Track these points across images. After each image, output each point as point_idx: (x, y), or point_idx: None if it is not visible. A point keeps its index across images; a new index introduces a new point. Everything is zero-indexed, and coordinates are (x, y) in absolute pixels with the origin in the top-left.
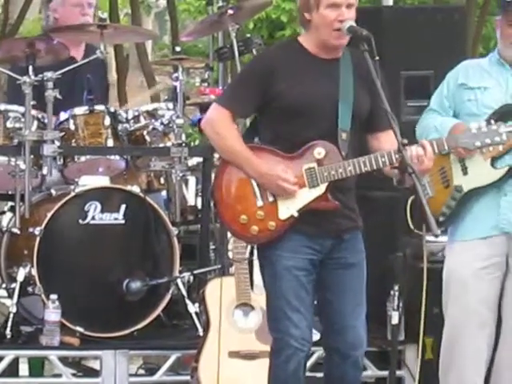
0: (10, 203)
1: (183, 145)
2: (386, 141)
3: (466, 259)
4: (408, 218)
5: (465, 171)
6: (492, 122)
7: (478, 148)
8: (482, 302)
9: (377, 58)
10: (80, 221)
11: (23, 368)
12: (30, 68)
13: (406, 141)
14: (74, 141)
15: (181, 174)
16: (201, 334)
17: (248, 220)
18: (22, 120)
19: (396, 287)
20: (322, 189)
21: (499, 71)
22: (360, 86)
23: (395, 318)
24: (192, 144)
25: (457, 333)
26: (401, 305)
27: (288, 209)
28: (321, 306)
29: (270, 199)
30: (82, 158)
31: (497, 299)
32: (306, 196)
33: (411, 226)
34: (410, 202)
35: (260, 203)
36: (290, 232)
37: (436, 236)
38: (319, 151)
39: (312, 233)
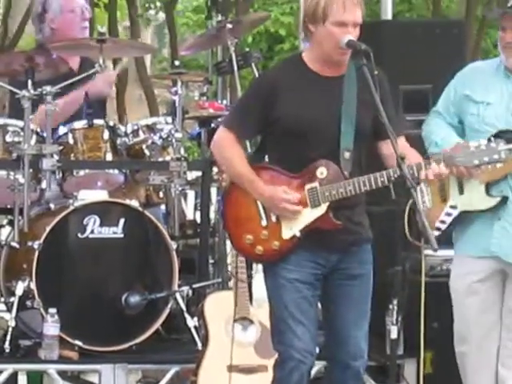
0: (9, 217)
1: (182, 159)
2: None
3: (462, 273)
4: (406, 228)
5: (461, 190)
6: (492, 139)
7: (477, 166)
8: (479, 313)
9: (376, 72)
10: (79, 235)
11: (22, 382)
12: (29, 82)
13: (404, 155)
14: (72, 155)
15: (180, 188)
16: (200, 348)
17: (253, 240)
18: (21, 134)
19: (395, 301)
20: (323, 208)
21: (504, 83)
22: (365, 102)
23: (394, 332)
24: (191, 158)
25: (462, 346)
26: (400, 319)
27: (291, 229)
28: (325, 317)
29: (274, 219)
30: (81, 172)
31: (497, 305)
32: (308, 216)
33: (408, 236)
34: (407, 211)
35: (264, 223)
36: (292, 250)
37: (435, 250)
38: (321, 171)
39: (316, 249)
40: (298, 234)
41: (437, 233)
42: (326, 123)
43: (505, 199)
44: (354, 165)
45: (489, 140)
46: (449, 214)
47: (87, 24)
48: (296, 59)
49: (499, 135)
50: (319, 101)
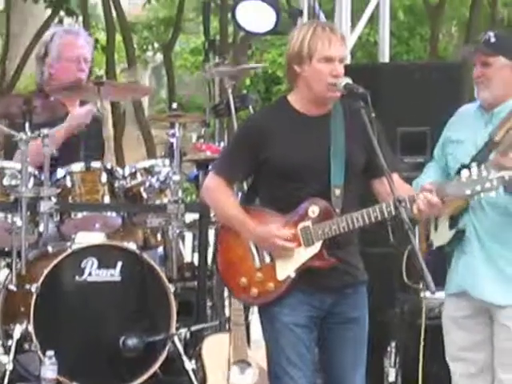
0: (7, 260)
1: (180, 201)
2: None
3: (450, 310)
4: (404, 271)
5: (436, 227)
6: (482, 167)
7: (469, 196)
8: (465, 349)
9: (373, 114)
10: (77, 277)
11: None
12: (27, 125)
13: (402, 197)
14: (70, 197)
15: (177, 231)
16: None
17: (248, 283)
18: (19, 177)
19: (393, 344)
20: (317, 247)
21: (477, 119)
22: (353, 137)
23: (392, 374)
24: (188, 200)
25: (456, 381)
26: (398, 361)
27: (285, 269)
28: (322, 360)
29: (267, 260)
30: (79, 215)
31: (487, 342)
32: (302, 255)
33: (405, 279)
34: (406, 254)
35: (258, 265)
36: (287, 291)
37: (433, 292)
38: (313, 210)
39: (311, 291)
40: (292, 275)
41: (421, 272)
42: (315, 162)
43: (460, 232)
44: (346, 202)
45: (479, 168)
46: (428, 253)
47: (83, 76)
48: (282, 102)
49: (460, 168)
50: (307, 140)
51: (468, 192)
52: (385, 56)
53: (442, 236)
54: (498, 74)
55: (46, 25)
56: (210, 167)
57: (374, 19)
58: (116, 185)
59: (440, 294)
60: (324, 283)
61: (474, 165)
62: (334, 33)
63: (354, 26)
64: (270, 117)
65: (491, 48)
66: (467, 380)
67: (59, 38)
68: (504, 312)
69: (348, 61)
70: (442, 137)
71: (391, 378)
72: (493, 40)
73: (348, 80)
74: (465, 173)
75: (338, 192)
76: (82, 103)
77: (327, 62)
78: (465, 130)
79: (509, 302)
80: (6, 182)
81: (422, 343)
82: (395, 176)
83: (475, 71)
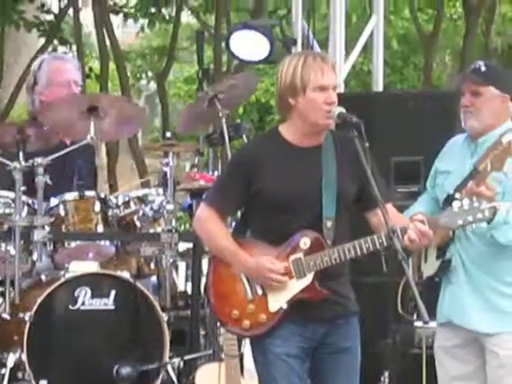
0: (0, 289)
1: (173, 230)
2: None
3: (441, 340)
4: (398, 302)
5: (425, 258)
6: (474, 198)
7: (461, 227)
8: (457, 379)
9: (367, 144)
10: (70, 306)
11: None
12: (21, 154)
13: (395, 227)
14: (64, 226)
15: (171, 260)
16: None
17: (240, 315)
18: (13, 206)
19: (386, 374)
20: (308, 279)
21: (464, 150)
22: (344, 168)
23: None
24: (182, 227)
25: None
26: None
27: (277, 301)
28: None
29: (260, 292)
30: (72, 244)
31: (479, 371)
32: (294, 287)
33: (399, 310)
34: (401, 285)
35: (250, 297)
36: (279, 322)
37: (426, 322)
38: (305, 241)
39: (302, 322)
40: (284, 306)
41: (412, 303)
42: (307, 193)
43: (447, 262)
44: (337, 233)
45: (470, 199)
46: (418, 284)
47: None
48: (274, 133)
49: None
50: (299, 172)
51: (460, 222)
52: (378, 85)
53: (431, 266)
54: (488, 104)
55: (39, 54)
56: (203, 196)
57: (367, 48)
58: (109, 213)
59: (433, 324)
60: (315, 314)
61: (464, 196)
62: (325, 61)
63: (347, 54)
64: (262, 147)
65: (482, 77)
66: None
67: (47, 65)
68: (492, 340)
69: (342, 90)
70: (433, 168)
71: None
72: (483, 69)
73: (341, 109)
74: (457, 203)
75: (329, 224)
76: None
77: (321, 91)
78: (453, 161)
79: (496, 330)
80: None
81: (424, 371)
82: (389, 206)
83: (464, 100)
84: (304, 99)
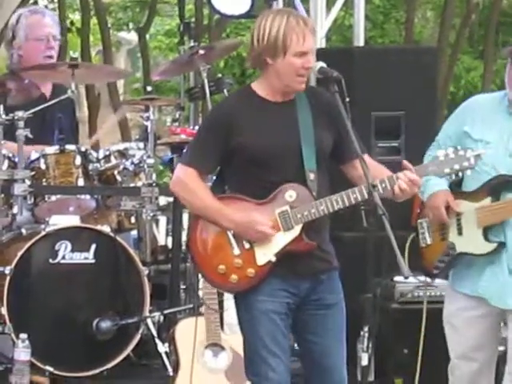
0: None
1: (154, 184)
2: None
3: (460, 308)
4: (405, 258)
5: (460, 231)
6: (458, 147)
7: (448, 174)
8: (475, 348)
9: (347, 99)
10: (50, 260)
11: None
12: (1, 107)
13: (376, 182)
14: (44, 180)
15: (151, 214)
16: (170, 374)
17: (226, 270)
18: None
19: (366, 328)
20: (296, 231)
21: (504, 121)
22: (320, 123)
23: (365, 359)
24: (162, 182)
25: (455, 377)
26: (371, 346)
27: (265, 254)
28: (302, 347)
29: (247, 246)
30: (53, 198)
31: (495, 343)
32: (281, 240)
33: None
34: (409, 241)
35: (237, 252)
36: (267, 276)
37: (406, 277)
38: (290, 194)
39: (288, 276)
40: (273, 259)
41: (436, 271)
42: (286, 147)
43: (502, 245)
44: (320, 186)
45: (455, 148)
46: (447, 255)
47: (53, 53)
48: (246, 90)
49: (498, 179)
50: (276, 125)
51: (447, 170)
52: (359, 40)
53: (472, 244)
54: None
55: (20, 7)
56: (181, 156)
57: (348, 3)
58: (90, 167)
59: (412, 279)
60: (300, 269)
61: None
62: (307, 25)
63: (329, 9)
64: (237, 103)
65: None
66: (472, 378)
67: (25, 19)
68: None
69: (323, 45)
70: (451, 127)
71: (364, 362)
72: None
73: (322, 64)
74: (442, 152)
75: (312, 176)
76: (55, 86)
77: (301, 57)
78: (490, 130)
79: None
80: None
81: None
82: (367, 157)
83: None
84: (283, 61)
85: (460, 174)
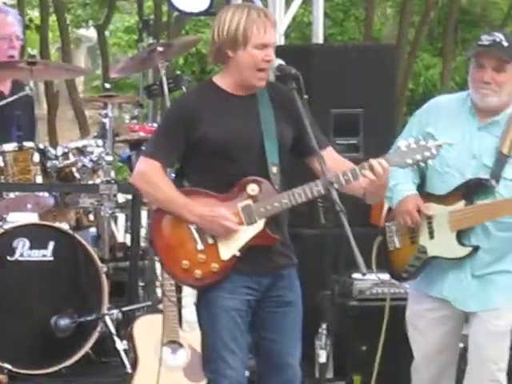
0: None
1: (112, 182)
2: (328, 159)
3: (422, 309)
4: (373, 258)
5: (431, 235)
6: (420, 137)
7: (410, 165)
8: (438, 350)
9: (305, 96)
10: (8, 257)
11: None
12: None
13: (332, 179)
14: (2, 177)
15: (110, 211)
16: (129, 371)
17: (190, 265)
18: None
19: (324, 326)
20: (260, 225)
21: (467, 122)
22: (281, 118)
23: (323, 356)
24: (121, 179)
25: (420, 377)
26: (329, 343)
27: (229, 249)
28: (258, 344)
29: (210, 241)
30: (11, 195)
31: (456, 340)
32: (245, 234)
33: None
34: (377, 241)
35: (200, 247)
36: (231, 271)
37: (363, 274)
38: (253, 188)
39: (250, 272)
40: (237, 254)
41: (405, 275)
42: (249, 140)
43: (476, 249)
44: (281, 179)
45: (417, 139)
46: (418, 258)
47: (15, 53)
48: (207, 84)
49: (472, 182)
50: (238, 118)
51: (409, 161)
52: (319, 37)
53: (445, 248)
54: (509, 81)
55: None
56: (142, 150)
57: (308, 0)
58: (48, 165)
59: (371, 276)
60: (263, 263)
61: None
62: (268, 18)
63: (288, 6)
64: (199, 97)
65: (506, 54)
66: (435, 378)
67: None
68: (482, 314)
69: (282, 42)
70: (414, 128)
71: (322, 359)
72: (505, 44)
73: (281, 61)
74: (403, 143)
75: (275, 169)
76: (14, 83)
77: (262, 49)
78: (453, 132)
79: (486, 307)
80: None
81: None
82: (331, 150)
83: (484, 75)
84: (244, 53)
85: (422, 164)
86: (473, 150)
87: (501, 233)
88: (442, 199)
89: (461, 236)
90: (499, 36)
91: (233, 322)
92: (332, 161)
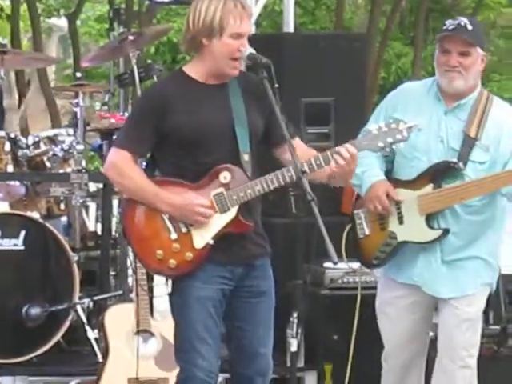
0: None
1: (83, 171)
2: (296, 148)
3: (391, 296)
4: (342, 246)
5: (400, 220)
6: (391, 121)
7: (382, 148)
8: (408, 339)
9: (276, 85)
10: None
11: None
12: None
13: (305, 168)
14: None
15: (81, 200)
16: (100, 360)
17: (164, 255)
18: None
19: (295, 314)
20: (233, 212)
21: (434, 106)
22: (251, 107)
23: (294, 345)
24: (92, 168)
25: (390, 365)
26: (300, 332)
27: (203, 237)
28: (231, 333)
29: (184, 230)
30: None
31: (426, 328)
32: (218, 222)
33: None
34: (347, 229)
35: (174, 236)
36: (205, 259)
37: (335, 263)
38: (225, 175)
39: (224, 261)
40: (211, 242)
41: (376, 262)
42: (220, 128)
43: (446, 232)
44: (253, 166)
45: (387, 122)
46: (388, 244)
47: None
48: (177, 73)
49: (439, 165)
50: (210, 107)
51: (381, 144)
52: (290, 26)
53: (414, 232)
54: (475, 64)
55: None
56: (113, 140)
57: None
58: (19, 154)
59: (343, 265)
60: (237, 252)
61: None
62: (244, 9)
63: None
64: (169, 86)
65: (471, 37)
66: (405, 366)
67: None
68: (457, 300)
69: (253, 30)
70: (381, 114)
71: (293, 348)
72: (470, 27)
73: (251, 50)
74: (374, 126)
75: (246, 157)
76: None
77: (237, 39)
78: (420, 117)
79: (456, 294)
80: None
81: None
82: (299, 141)
83: (450, 59)
84: (219, 42)
85: (394, 146)
86: (440, 133)
87: (470, 216)
88: (411, 184)
89: (430, 220)
90: (464, 20)
91: (206, 311)
92: (300, 151)
